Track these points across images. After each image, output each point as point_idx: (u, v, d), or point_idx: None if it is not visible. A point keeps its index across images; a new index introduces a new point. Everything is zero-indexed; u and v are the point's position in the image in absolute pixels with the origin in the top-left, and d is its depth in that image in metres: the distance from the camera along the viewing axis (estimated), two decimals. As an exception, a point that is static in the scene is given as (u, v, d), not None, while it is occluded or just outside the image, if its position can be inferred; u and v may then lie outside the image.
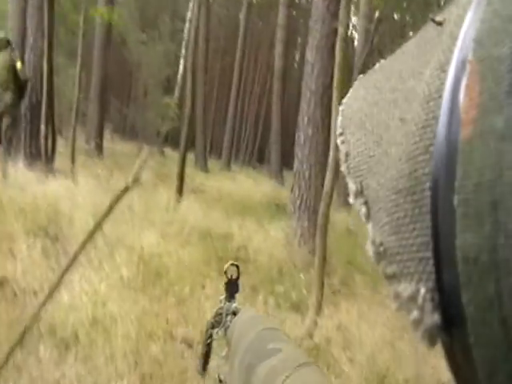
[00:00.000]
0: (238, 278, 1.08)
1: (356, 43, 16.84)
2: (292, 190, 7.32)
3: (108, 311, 3.53)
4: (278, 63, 18.12)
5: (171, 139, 23.45)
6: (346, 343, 4.11)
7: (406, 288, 0.22)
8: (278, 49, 18.11)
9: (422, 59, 0.26)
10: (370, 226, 0.26)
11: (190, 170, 12.79)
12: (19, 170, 7.66)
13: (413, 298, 0.21)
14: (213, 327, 1.03)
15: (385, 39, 27.57)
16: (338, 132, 0.31)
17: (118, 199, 2.39)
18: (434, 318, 0.21)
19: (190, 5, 16.44)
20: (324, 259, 4.63)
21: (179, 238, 5.92)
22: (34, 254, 4.30)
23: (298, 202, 7.12)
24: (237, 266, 1.09)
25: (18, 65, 7.99)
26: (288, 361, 0.70)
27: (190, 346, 3.59)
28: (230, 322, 0.98)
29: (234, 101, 24.29)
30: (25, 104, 8.87)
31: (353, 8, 16.28)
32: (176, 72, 21.57)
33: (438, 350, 0.23)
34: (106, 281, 4.07)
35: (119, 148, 15.83)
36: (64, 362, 2.85)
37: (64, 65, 16.23)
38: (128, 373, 2.90)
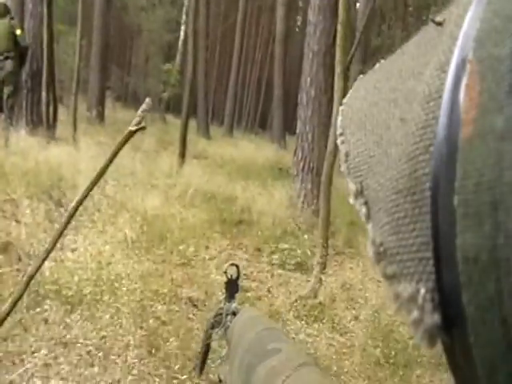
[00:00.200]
0: (237, 277, 1.07)
1: (358, 5, 16.58)
2: (295, 152, 7.30)
3: (112, 271, 3.54)
4: (279, 27, 17.85)
5: (173, 106, 23.35)
6: (350, 301, 4.14)
7: (405, 288, 0.22)
8: (280, 12, 17.80)
9: (422, 59, 0.26)
10: (370, 226, 0.26)
11: (192, 136, 12.75)
12: (21, 137, 7.64)
13: (413, 298, 0.21)
14: (213, 327, 1.03)
15: (388, 3, 27.21)
16: (338, 132, 0.31)
17: (122, 144, 2.35)
18: (434, 318, 0.21)
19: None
20: (328, 218, 4.63)
21: (182, 201, 5.93)
22: (38, 218, 4.31)
23: (302, 164, 7.11)
24: (237, 266, 1.08)
25: (18, 32, 7.91)
26: (288, 361, 0.70)
27: (194, 305, 3.62)
28: (230, 322, 0.98)
29: (235, 66, 24.05)
30: (25, 71, 8.82)
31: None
32: (177, 38, 21.37)
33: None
34: (109, 242, 4.08)
35: (121, 116, 15.71)
36: (70, 321, 2.87)
37: (64, 32, 16.08)
38: (134, 330, 2.93)
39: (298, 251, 4.92)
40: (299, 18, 39.72)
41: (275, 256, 4.79)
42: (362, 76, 0.33)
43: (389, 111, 0.27)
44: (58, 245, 3.82)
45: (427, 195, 0.21)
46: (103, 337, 2.78)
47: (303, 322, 3.69)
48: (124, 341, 2.79)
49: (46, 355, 2.55)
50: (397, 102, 0.26)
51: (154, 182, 6.60)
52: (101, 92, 14.80)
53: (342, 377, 2.99)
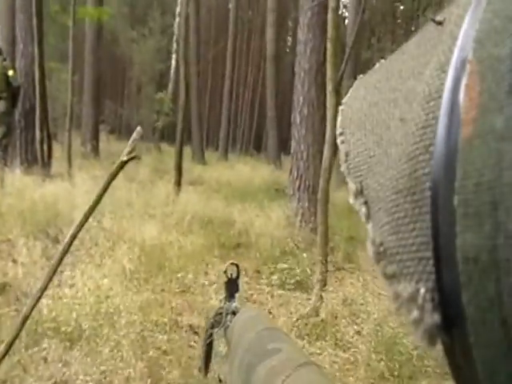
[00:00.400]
0: (237, 277, 1.07)
1: (347, 21, 16.75)
2: (290, 171, 7.32)
3: (111, 304, 3.53)
4: (269, 48, 17.93)
5: (167, 134, 23.45)
6: (352, 316, 4.12)
7: (405, 288, 0.22)
8: (269, 33, 17.89)
9: (422, 59, 0.26)
10: (369, 226, 0.26)
11: (187, 163, 12.79)
12: (16, 177, 7.66)
13: (413, 297, 0.21)
14: (213, 327, 1.03)
15: (376, 16, 27.51)
16: (338, 132, 0.31)
17: (114, 175, 2.38)
18: (433, 318, 0.21)
19: (179, -1, 16.39)
20: (326, 234, 4.63)
21: (180, 228, 5.93)
22: (35, 257, 4.31)
23: (298, 183, 7.13)
24: (236, 266, 1.08)
25: (10, 73, 8.02)
26: (288, 361, 0.70)
27: (195, 332, 3.60)
28: (230, 321, 0.97)
29: (228, 90, 24.19)
30: (18, 111, 8.91)
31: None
32: (168, 67, 21.54)
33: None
34: (108, 275, 4.07)
35: (115, 148, 15.74)
36: (69, 357, 2.86)
37: (56, 69, 16.21)
38: (134, 362, 2.92)
39: (297, 270, 4.91)
40: (289, 39, 40.10)
41: (274, 277, 4.78)
42: (361, 76, 0.33)
43: (389, 111, 0.27)
44: (56, 281, 3.83)
45: (427, 195, 0.21)
46: (103, 371, 2.76)
47: (305, 341, 3.67)
48: (124, 374, 2.77)
49: (47, 394, 2.54)
50: (397, 102, 0.26)
51: (151, 212, 6.61)
52: (94, 126, 14.87)
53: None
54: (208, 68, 35.09)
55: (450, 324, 0.20)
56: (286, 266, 5.00)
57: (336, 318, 4.08)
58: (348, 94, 0.33)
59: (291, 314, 4.10)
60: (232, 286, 1.06)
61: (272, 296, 4.48)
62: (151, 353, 3.05)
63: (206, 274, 4.74)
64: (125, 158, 2.48)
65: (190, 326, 3.65)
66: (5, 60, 8.06)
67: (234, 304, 1.03)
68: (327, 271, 4.48)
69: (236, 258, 5.43)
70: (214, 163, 17.25)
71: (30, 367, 2.69)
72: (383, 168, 0.25)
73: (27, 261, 4.20)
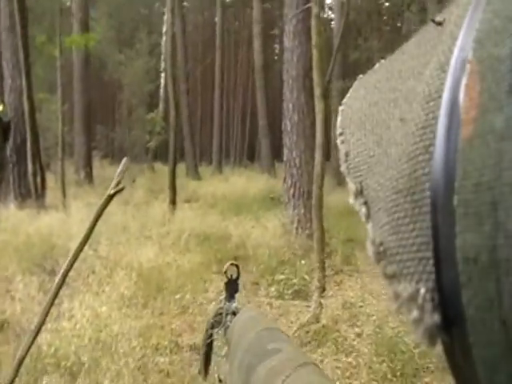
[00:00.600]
0: (237, 277, 1.07)
1: (333, 23, 16.82)
2: (284, 179, 7.34)
3: (111, 332, 3.54)
4: (257, 58, 17.99)
5: (161, 154, 23.47)
6: (353, 319, 4.13)
7: (405, 288, 0.22)
8: (256, 44, 17.94)
9: (422, 59, 0.26)
10: (369, 226, 0.25)
11: (181, 180, 12.80)
12: (11, 212, 7.69)
13: (413, 297, 0.21)
14: (213, 327, 1.03)
15: (362, 16, 27.58)
16: (337, 132, 0.31)
17: (102, 209, 2.40)
18: (434, 318, 0.20)
19: (165, 17, 16.46)
20: (323, 240, 4.64)
21: (177, 248, 5.94)
22: (32, 292, 4.32)
23: (292, 191, 7.14)
24: (236, 266, 1.08)
25: (0, 108, 8.03)
26: (288, 361, 0.70)
27: (197, 351, 3.61)
28: (230, 321, 0.97)
29: (218, 104, 24.25)
30: (9, 145, 8.91)
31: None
32: (158, 86, 21.59)
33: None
34: (106, 303, 4.08)
35: (109, 173, 15.72)
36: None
37: (45, 100, 16.25)
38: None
39: (296, 279, 4.91)
40: (276, 46, 40.20)
41: (272, 288, 4.78)
42: (361, 76, 0.33)
43: (389, 111, 0.27)
44: (55, 314, 3.84)
45: (427, 195, 0.21)
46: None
47: (307, 349, 3.68)
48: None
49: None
50: (397, 101, 0.26)
51: (147, 234, 6.62)
52: (87, 153, 14.90)
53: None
54: (197, 84, 35.20)
55: (450, 324, 0.20)
56: (283, 276, 5.00)
57: (337, 322, 4.08)
58: (348, 94, 0.33)
59: (292, 323, 4.11)
60: (232, 287, 1.06)
61: (272, 307, 4.48)
62: (153, 378, 3.05)
63: (206, 291, 4.74)
64: (112, 192, 2.50)
65: (191, 346, 3.65)
66: None
67: (234, 304, 1.03)
68: (325, 277, 4.49)
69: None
70: (208, 177, 17.28)
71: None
72: (383, 168, 0.25)
73: (25, 297, 4.21)
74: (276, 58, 38.39)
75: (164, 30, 16.97)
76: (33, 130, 8.85)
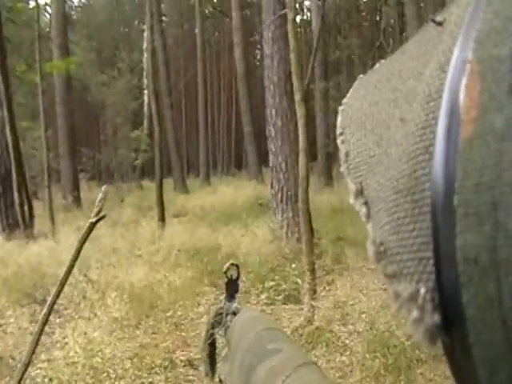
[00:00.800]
0: (237, 277, 1.06)
1: (313, 24, 16.88)
2: (271, 185, 7.37)
3: (104, 357, 3.53)
4: (239, 66, 17.95)
5: (148, 171, 23.48)
6: (346, 317, 4.14)
7: (405, 288, 0.22)
8: (237, 52, 17.89)
9: (422, 59, 0.26)
10: (370, 226, 0.25)
11: (170, 195, 12.80)
12: (-1, 244, 7.67)
13: (413, 297, 0.21)
14: (213, 327, 1.02)
15: (341, 14, 27.76)
16: (338, 132, 0.31)
17: (85, 237, 2.41)
18: (434, 318, 0.21)
19: (145, 34, 16.49)
20: (311, 242, 4.65)
21: (167, 264, 5.94)
22: (24, 324, 4.31)
23: (280, 196, 7.17)
24: (237, 266, 1.07)
25: None
26: (288, 361, 0.70)
27: (192, 366, 3.61)
28: (230, 321, 0.97)
29: (203, 115, 24.26)
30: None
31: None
32: (141, 104, 21.60)
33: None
34: (98, 328, 4.07)
35: (97, 195, 15.73)
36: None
37: (28, 128, 16.20)
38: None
39: (287, 284, 4.93)
40: (258, 52, 40.24)
41: (264, 294, 4.79)
42: (361, 76, 0.33)
43: (389, 111, 0.27)
44: (47, 344, 3.83)
45: (427, 195, 0.21)
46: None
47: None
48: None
49: None
50: (397, 102, 0.26)
51: (137, 253, 6.62)
52: (74, 177, 14.86)
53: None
54: (181, 97, 35.27)
55: (450, 324, 0.20)
56: (274, 282, 5.01)
57: (329, 322, 4.10)
58: (348, 94, 0.33)
59: (286, 327, 4.11)
60: (232, 287, 1.05)
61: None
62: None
63: (199, 305, 4.74)
64: (93, 220, 2.52)
65: (186, 362, 3.65)
66: None
67: (235, 304, 1.02)
68: (316, 278, 4.50)
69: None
70: (196, 190, 17.28)
71: None
72: (383, 168, 0.25)
73: (16, 329, 4.20)
74: (258, 63, 38.49)
75: (144, 46, 16.99)
76: (17, 160, 8.85)
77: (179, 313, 4.36)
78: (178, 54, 36.16)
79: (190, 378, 3.45)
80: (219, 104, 35.88)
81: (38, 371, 3.38)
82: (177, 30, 37.23)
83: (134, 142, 18.51)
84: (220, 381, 0.97)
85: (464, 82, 0.20)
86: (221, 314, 1.01)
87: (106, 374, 3.28)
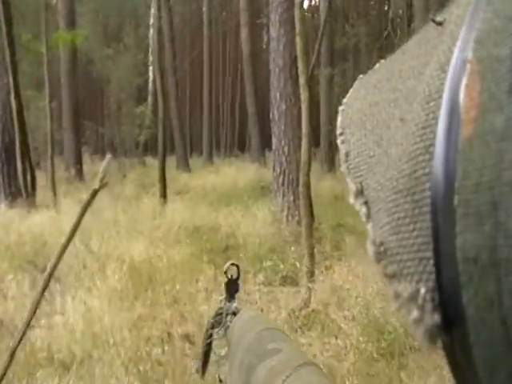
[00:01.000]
0: (238, 277, 1.07)
1: (321, 10, 16.71)
2: (273, 168, 7.39)
3: (103, 325, 3.59)
4: (245, 47, 17.82)
5: (151, 147, 23.45)
6: (343, 302, 4.19)
7: (406, 288, 0.22)
8: (244, 33, 17.73)
9: (422, 59, 0.26)
10: (370, 226, 0.25)
11: (172, 173, 12.82)
12: (1, 211, 7.71)
13: (413, 297, 0.21)
14: (213, 327, 1.03)
15: (349, 2, 27.54)
16: (338, 132, 0.31)
17: (87, 204, 2.45)
18: (434, 318, 0.20)
19: (152, 10, 16.37)
20: (311, 226, 4.70)
21: (168, 240, 5.98)
22: (25, 290, 4.37)
23: (281, 179, 7.20)
24: (237, 266, 1.08)
25: None
26: (288, 361, 0.71)
27: (189, 341, 3.67)
28: (230, 322, 0.98)
29: (207, 94, 24.22)
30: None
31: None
32: (146, 80, 21.50)
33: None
34: (98, 297, 4.13)
35: (99, 169, 15.78)
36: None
37: (33, 97, 16.16)
38: (130, 379, 2.98)
39: (286, 265, 4.98)
40: (264, 35, 39.93)
41: (263, 274, 4.85)
42: (362, 76, 0.33)
43: (389, 111, 0.27)
44: (48, 310, 3.89)
45: (427, 195, 0.21)
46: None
47: (298, 333, 3.75)
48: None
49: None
50: (397, 101, 0.26)
51: (138, 228, 6.66)
52: (77, 150, 14.84)
53: (339, 379, 3.04)
54: (186, 75, 35.11)
55: (450, 324, 0.20)
56: (274, 262, 5.07)
57: (327, 306, 4.15)
58: (348, 94, 0.33)
59: (283, 308, 4.16)
60: (232, 287, 1.06)
61: (263, 293, 4.54)
62: (143, 367, 3.11)
63: (197, 281, 4.79)
64: (96, 186, 2.55)
65: (183, 336, 3.71)
66: None
67: (234, 304, 1.03)
68: (314, 262, 4.55)
69: (225, 260, 5.50)
70: (199, 169, 17.28)
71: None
72: (383, 168, 0.25)
73: (17, 295, 4.26)
74: (264, 46, 38.21)
75: (151, 22, 16.87)
76: (21, 128, 8.84)
77: (177, 287, 4.41)
78: (184, 32, 35.93)
79: (187, 352, 3.50)
80: (224, 84, 35.75)
81: (38, 335, 3.43)
82: (184, 7, 36.93)
83: (138, 118, 18.46)
84: (220, 381, 1.00)
85: (464, 81, 0.20)
86: (221, 314, 1.02)
87: (104, 342, 3.34)
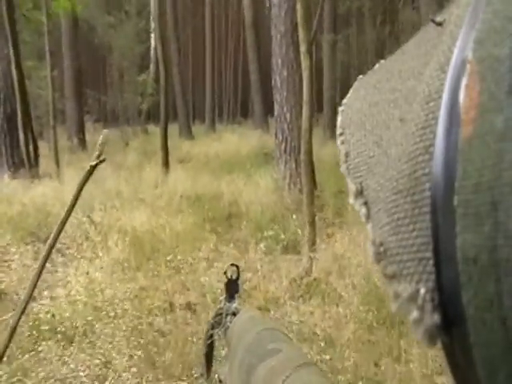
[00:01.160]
0: (237, 278, 1.07)
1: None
2: (276, 135, 7.35)
3: (105, 297, 3.63)
4: (247, 14, 17.59)
5: (153, 115, 23.34)
6: (344, 271, 4.21)
7: (405, 288, 0.22)
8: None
9: (422, 59, 0.26)
10: (369, 227, 0.26)
11: (175, 140, 12.77)
12: (4, 182, 7.72)
13: (413, 298, 0.21)
14: (213, 328, 1.04)
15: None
16: (338, 132, 0.31)
17: (85, 180, 2.44)
18: (433, 318, 0.20)
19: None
20: (312, 194, 4.68)
21: (170, 209, 5.99)
22: (27, 261, 4.40)
23: (283, 146, 7.17)
24: (237, 267, 1.08)
25: None
26: (288, 361, 0.71)
27: (191, 309, 3.71)
28: (230, 322, 0.98)
29: (210, 61, 23.97)
30: (0, 116, 8.87)
31: None
32: (148, 48, 21.29)
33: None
34: (100, 268, 4.16)
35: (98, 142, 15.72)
36: (67, 356, 2.96)
37: (34, 67, 16.02)
38: (132, 349, 3.02)
39: (287, 234, 4.99)
40: (267, 2, 39.31)
41: (265, 243, 4.86)
42: (361, 76, 0.33)
43: (389, 111, 0.27)
44: (50, 282, 3.92)
45: (427, 195, 0.21)
46: (100, 364, 2.86)
47: (300, 301, 3.78)
48: (121, 363, 2.87)
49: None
50: (397, 102, 0.26)
51: (141, 197, 6.67)
52: (79, 119, 14.79)
53: (339, 348, 3.07)
54: (188, 42, 34.72)
55: (450, 324, 0.20)
56: (275, 231, 5.08)
57: (329, 274, 4.17)
58: (348, 94, 0.33)
59: (285, 277, 4.18)
60: (232, 287, 1.06)
61: (265, 262, 4.56)
62: (147, 337, 3.14)
63: (199, 250, 4.81)
64: (93, 163, 2.53)
65: (185, 305, 3.74)
66: None
67: (234, 305, 1.03)
68: (315, 230, 4.55)
69: (228, 229, 5.52)
70: (201, 137, 17.22)
71: (28, 371, 2.79)
72: (383, 168, 0.25)
73: (20, 266, 4.29)
74: (266, 12, 37.64)
75: (153, -12, 16.60)
76: (23, 98, 8.79)
77: (179, 257, 4.43)
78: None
79: (189, 321, 3.54)
80: (226, 51, 35.37)
81: (41, 307, 3.47)
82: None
83: (140, 86, 18.34)
84: (220, 381, 1.01)
85: (464, 82, 0.20)
86: (221, 314, 1.03)
87: (106, 313, 3.37)
